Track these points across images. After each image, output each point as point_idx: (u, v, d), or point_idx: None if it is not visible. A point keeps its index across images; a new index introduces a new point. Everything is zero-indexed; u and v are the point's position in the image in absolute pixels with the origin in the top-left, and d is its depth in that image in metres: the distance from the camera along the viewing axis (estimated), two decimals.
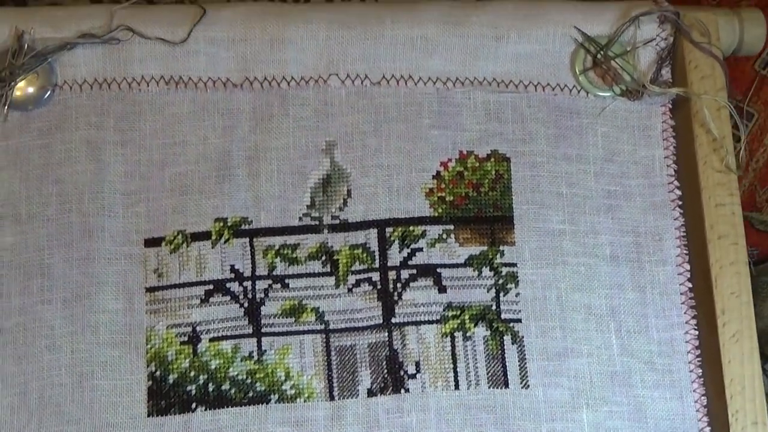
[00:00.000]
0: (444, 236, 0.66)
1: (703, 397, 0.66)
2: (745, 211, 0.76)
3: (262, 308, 0.64)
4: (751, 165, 0.76)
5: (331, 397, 0.63)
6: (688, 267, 0.67)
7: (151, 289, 0.64)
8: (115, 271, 0.63)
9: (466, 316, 0.65)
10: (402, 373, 0.64)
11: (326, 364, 0.64)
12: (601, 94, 0.69)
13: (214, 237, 0.64)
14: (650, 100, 0.69)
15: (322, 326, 0.64)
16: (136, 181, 0.64)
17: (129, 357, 0.63)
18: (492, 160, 0.67)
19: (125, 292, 0.63)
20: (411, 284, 0.65)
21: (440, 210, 0.66)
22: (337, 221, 0.65)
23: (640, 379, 0.66)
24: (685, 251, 0.68)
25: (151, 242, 0.64)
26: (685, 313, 0.67)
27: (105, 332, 0.63)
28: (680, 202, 0.68)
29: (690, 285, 0.67)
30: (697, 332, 0.67)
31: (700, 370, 0.66)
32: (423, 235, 0.66)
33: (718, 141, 0.67)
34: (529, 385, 0.65)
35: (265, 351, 0.64)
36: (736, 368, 0.65)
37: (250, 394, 0.63)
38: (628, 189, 0.68)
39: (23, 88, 0.64)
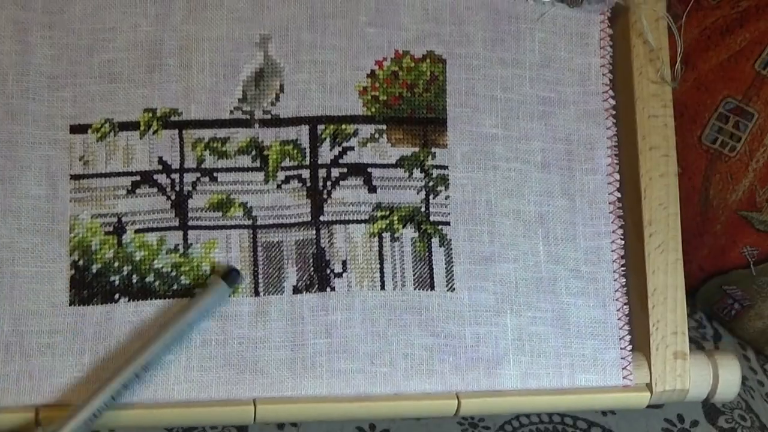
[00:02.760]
0: (376, 136, 0.69)
1: (625, 306, 0.71)
2: (745, 210, 0.80)
3: (190, 201, 0.68)
4: (751, 165, 0.79)
5: (256, 293, 0.67)
6: (617, 177, 0.72)
7: (76, 177, 0.67)
8: (39, 155, 0.66)
9: (395, 217, 0.69)
10: (328, 271, 0.68)
11: (252, 259, 0.68)
12: None
13: (142, 128, 0.67)
14: (589, 7, 0.73)
15: (250, 221, 0.68)
16: (63, 65, 0.67)
17: (51, 245, 0.66)
18: (427, 61, 0.71)
19: (49, 178, 0.66)
20: (341, 183, 0.69)
21: (373, 109, 0.70)
22: (269, 116, 0.69)
23: (565, 286, 0.71)
24: (615, 161, 0.72)
25: (77, 129, 0.67)
26: (612, 222, 0.72)
27: (27, 218, 0.66)
28: (614, 112, 0.73)
29: (619, 195, 0.72)
30: (623, 242, 0.72)
31: (624, 280, 0.71)
32: (355, 133, 0.69)
33: (655, 52, 0.72)
34: (454, 288, 0.69)
35: (191, 244, 0.67)
36: (660, 278, 0.70)
37: (175, 287, 0.67)
38: (562, 96, 0.72)
39: None
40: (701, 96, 0.81)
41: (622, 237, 0.72)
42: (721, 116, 0.80)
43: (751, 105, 0.80)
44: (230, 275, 0.66)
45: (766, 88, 0.80)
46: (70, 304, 0.66)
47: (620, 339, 0.71)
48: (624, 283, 0.72)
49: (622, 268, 0.72)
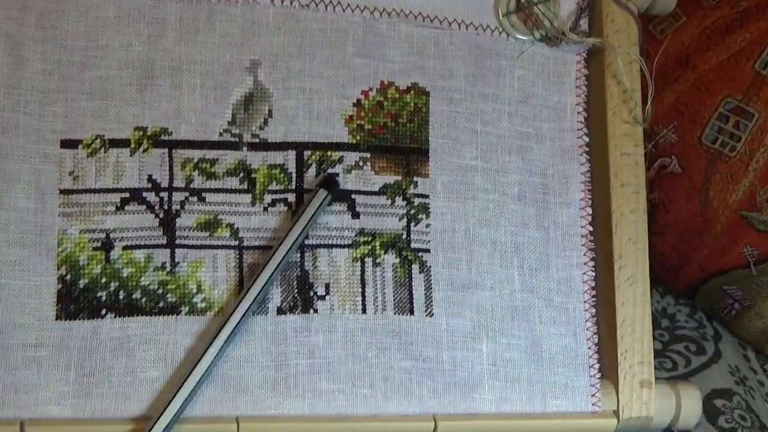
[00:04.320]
0: (360, 163, 0.74)
1: (595, 336, 0.76)
2: (745, 210, 0.84)
3: (178, 220, 0.71)
4: (751, 165, 0.82)
5: None
6: (590, 211, 0.77)
7: (65, 192, 0.69)
8: (29, 169, 0.69)
9: (377, 243, 0.73)
10: (312, 293, 0.72)
11: (238, 280, 0.71)
12: (521, 37, 0.78)
13: (133, 145, 0.70)
14: (567, 48, 0.78)
15: (236, 242, 0.71)
16: (54, 81, 0.70)
17: (39, 258, 0.69)
18: (412, 92, 0.75)
19: (38, 191, 0.69)
20: (326, 208, 0.72)
21: (358, 137, 0.74)
22: (257, 140, 0.72)
23: (538, 315, 0.75)
24: (588, 196, 0.78)
25: (68, 143, 0.70)
26: (584, 254, 0.77)
27: (15, 231, 0.68)
28: (587, 149, 0.78)
29: (591, 228, 0.77)
30: (594, 273, 0.77)
31: (594, 310, 0.77)
32: (340, 160, 0.73)
33: (628, 93, 0.77)
34: (433, 314, 0.73)
35: (178, 263, 0.70)
36: (628, 310, 0.76)
37: (161, 304, 0.70)
38: (539, 132, 0.77)
39: None
40: (701, 96, 0.85)
41: (593, 269, 0.77)
42: (721, 116, 0.84)
43: (751, 105, 0.84)
44: (330, 183, 0.72)
45: (766, 88, 0.83)
46: (56, 319, 0.68)
47: (590, 367, 0.76)
48: (594, 314, 0.77)
49: (593, 299, 0.77)
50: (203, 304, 0.71)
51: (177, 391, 0.66)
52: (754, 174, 0.84)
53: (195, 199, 0.71)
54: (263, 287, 0.69)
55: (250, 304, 0.68)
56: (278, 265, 0.69)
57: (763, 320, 0.90)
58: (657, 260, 0.94)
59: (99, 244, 0.70)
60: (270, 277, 0.69)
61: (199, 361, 0.67)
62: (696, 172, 0.85)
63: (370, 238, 0.74)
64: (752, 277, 0.86)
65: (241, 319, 0.68)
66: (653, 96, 0.78)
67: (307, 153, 0.73)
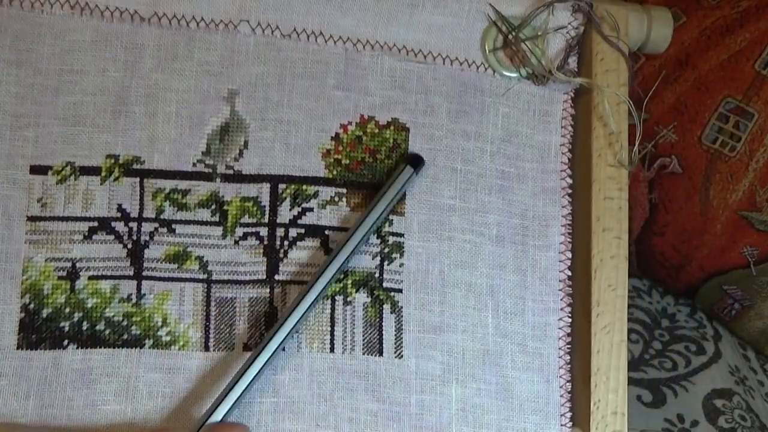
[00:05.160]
0: (336, 199, 0.74)
1: (568, 383, 0.76)
2: (745, 210, 0.84)
3: (146, 251, 0.71)
4: (751, 165, 0.83)
5: (207, 348, 0.71)
6: (570, 255, 0.77)
7: (32, 218, 0.70)
8: None
9: (349, 281, 0.73)
10: None
11: (205, 314, 0.71)
12: (507, 74, 0.77)
13: (103, 173, 0.71)
14: (554, 86, 0.78)
15: (205, 276, 0.72)
16: (27, 105, 0.70)
17: (2, 285, 0.69)
18: (392, 128, 0.75)
19: (5, 217, 0.70)
20: (298, 243, 0.73)
21: (335, 172, 0.74)
22: (231, 171, 0.72)
23: (511, 360, 0.75)
24: (569, 239, 0.77)
25: (38, 170, 0.70)
26: (561, 299, 0.77)
27: None
28: (570, 191, 0.78)
29: (569, 273, 0.77)
30: (570, 320, 0.77)
31: (569, 357, 0.76)
32: (315, 195, 0.73)
33: (614, 135, 0.77)
34: (402, 356, 0.73)
35: (144, 295, 0.71)
36: (604, 359, 0.75)
37: (125, 337, 0.70)
38: (521, 171, 0.77)
39: None
40: (701, 96, 0.85)
41: (569, 315, 0.77)
42: (721, 116, 0.84)
43: (751, 105, 0.84)
44: (415, 160, 0.74)
45: (766, 88, 0.83)
46: (17, 348, 0.69)
47: (561, 415, 0.76)
48: (568, 360, 0.76)
49: (568, 346, 0.77)
50: (168, 338, 0.71)
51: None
52: (754, 174, 0.84)
53: (165, 230, 0.72)
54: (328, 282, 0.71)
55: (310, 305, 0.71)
56: (358, 243, 0.72)
57: (763, 320, 0.90)
58: (657, 260, 0.94)
59: (64, 273, 0.70)
60: (340, 266, 0.72)
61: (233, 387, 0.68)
62: (696, 172, 0.86)
63: (342, 276, 0.74)
64: (752, 277, 0.87)
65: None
66: (640, 138, 0.77)
67: (281, 186, 0.73)
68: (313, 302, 0.70)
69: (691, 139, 0.85)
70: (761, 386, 0.90)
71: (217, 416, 0.66)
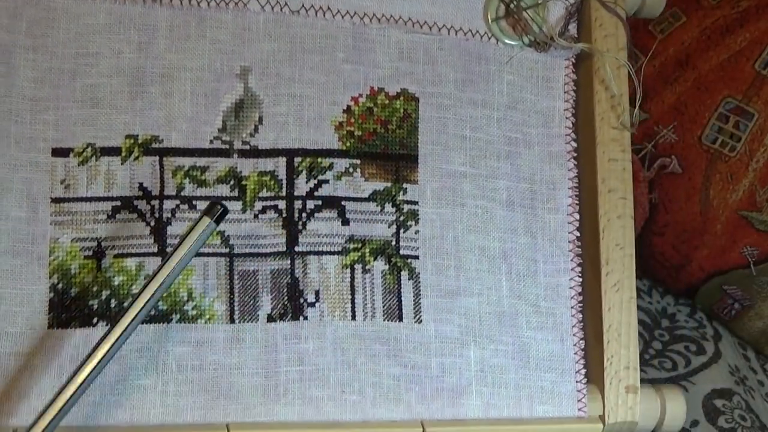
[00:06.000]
0: (350, 170, 0.76)
1: (581, 341, 0.80)
2: (745, 210, 0.86)
3: (168, 228, 0.74)
4: (751, 165, 0.85)
5: (232, 320, 0.74)
6: (577, 216, 0.81)
7: (57, 200, 0.72)
8: (20, 178, 0.71)
9: (367, 250, 0.76)
10: (302, 300, 0.75)
11: (229, 287, 0.74)
12: (510, 42, 0.81)
13: (124, 153, 0.73)
14: (555, 53, 0.81)
15: (227, 250, 0.74)
16: (45, 89, 0.72)
17: (31, 267, 0.71)
18: (401, 98, 0.78)
19: (30, 200, 0.72)
20: (315, 215, 0.75)
21: (348, 144, 0.76)
22: (248, 147, 0.75)
23: (526, 321, 0.79)
24: (576, 201, 0.81)
25: (59, 152, 0.72)
26: (571, 260, 0.80)
27: (7, 240, 0.71)
28: (575, 154, 0.81)
29: (578, 234, 0.81)
30: (581, 279, 0.80)
31: (581, 315, 0.80)
32: (330, 167, 0.76)
33: (616, 98, 0.80)
34: (421, 320, 0.77)
35: None
36: (615, 315, 0.79)
37: (152, 312, 0.72)
38: (528, 137, 0.80)
39: None
40: (701, 96, 0.88)
41: (580, 275, 0.80)
42: (721, 116, 0.86)
43: (751, 105, 0.86)
44: (213, 211, 0.69)
45: (766, 88, 0.86)
46: (48, 327, 0.71)
47: (576, 372, 0.79)
48: (581, 319, 0.80)
49: (580, 305, 0.80)
50: (194, 312, 0.73)
51: (50, 403, 0.66)
52: (754, 174, 0.87)
53: (186, 206, 0.74)
54: (138, 312, 0.68)
55: (123, 331, 0.68)
56: (156, 289, 0.68)
57: (763, 320, 0.92)
58: (657, 260, 0.96)
59: (90, 253, 0.73)
60: (147, 301, 0.68)
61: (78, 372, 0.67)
62: (696, 172, 0.88)
63: (359, 245, 0.76)
64: (752, 277, 0.89)
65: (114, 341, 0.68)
66: (640, 100, 0.80)
67: (297, 160, 0.76)
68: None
69: (691, 139, 0.87)
70: (761, 386, 0.92)
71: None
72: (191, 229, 0.68)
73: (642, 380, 0.79)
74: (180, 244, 0.68)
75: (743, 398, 0.88)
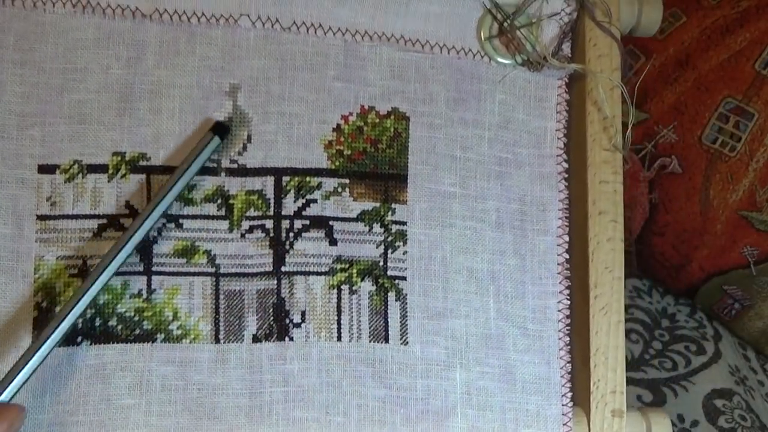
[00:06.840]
0: (339, 190, 0.77)
1: (568, 364, 0.80)
2: (745, 210, 0.87)
3: (154, 247, 0.74)
4: (751, 165, 0.85)
5: (217, 340, 0.74)
6: (567, 239, 0.81)
7: (42, 217, 0.73)
8: (6, 194, 0.72)
9: (354, 270, 0.77)
10: (287, 321, 0.76)
11: (214, 307, 0.75)
12: (503, 61, 0.81)
13: (110, 171, 0.74)
14: (548, 72, 0.82)
15: (213, 269, 0.75)
16: (32, 104, 0.73)
17: (15, 285, 0.72)
18: (392, 117, 0.78)
19: (15, 217, 0.72)
20: (303, 234, 0.76)
21: (337, 163, 0.77)
22: (236, 165, 0.75)
23: (513, 343, 0.79)
24: (566, 223, 0.81)
25: (46, 169, 0.73)
26: (560, 282, 0.81)
27: None
28: (566, 175, 0.82)
29: (567, 256, 0.81)
30: (569, 302, 0.81)
31: (568, 338, 0.81)
32: (319, 186, 0.77)
33: (608, 120, 0.81)
34: (408, 342, 0.77)
35: (155, 290, 0.74)
36: (602, 339, 0.80)
37: (137, 332, 0.73)
38: (519, 157, 0.81)
39: None
40: (701, 96, 0.88)
41: (568, 297, 0.81)
42: (721, 116, 0.87)
43: (751, 105, 0.87)
44: (220, 128, 0.74)
45: (766, 88, 0.87)
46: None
47: (562, 396, 0.80)
48: (568, 342, 0.81)
49: (567, 327, 0.81)
50: (179, 331, 0.74)
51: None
52: (754, 174, 0.88)
53: (172, 225, 0.75)
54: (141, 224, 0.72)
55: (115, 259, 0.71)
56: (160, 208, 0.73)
57: (763, 320, 0.93)
58: (657, 260, 0.97)
59: (76, 271, 0.73)
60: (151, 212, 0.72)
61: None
62: (696, 172, 0.88)
63: (347, 266, 0.77)
64: (752, 277, 0.90)
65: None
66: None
67: (285, 179, 0.76)
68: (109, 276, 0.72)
69: (691, 139, 0.88)
70: (761, 386, 0.92)
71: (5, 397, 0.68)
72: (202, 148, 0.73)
73: (642, 380, 0.79)
74: (193, 160, 0.72)
75: (743, 398, 0.89)
